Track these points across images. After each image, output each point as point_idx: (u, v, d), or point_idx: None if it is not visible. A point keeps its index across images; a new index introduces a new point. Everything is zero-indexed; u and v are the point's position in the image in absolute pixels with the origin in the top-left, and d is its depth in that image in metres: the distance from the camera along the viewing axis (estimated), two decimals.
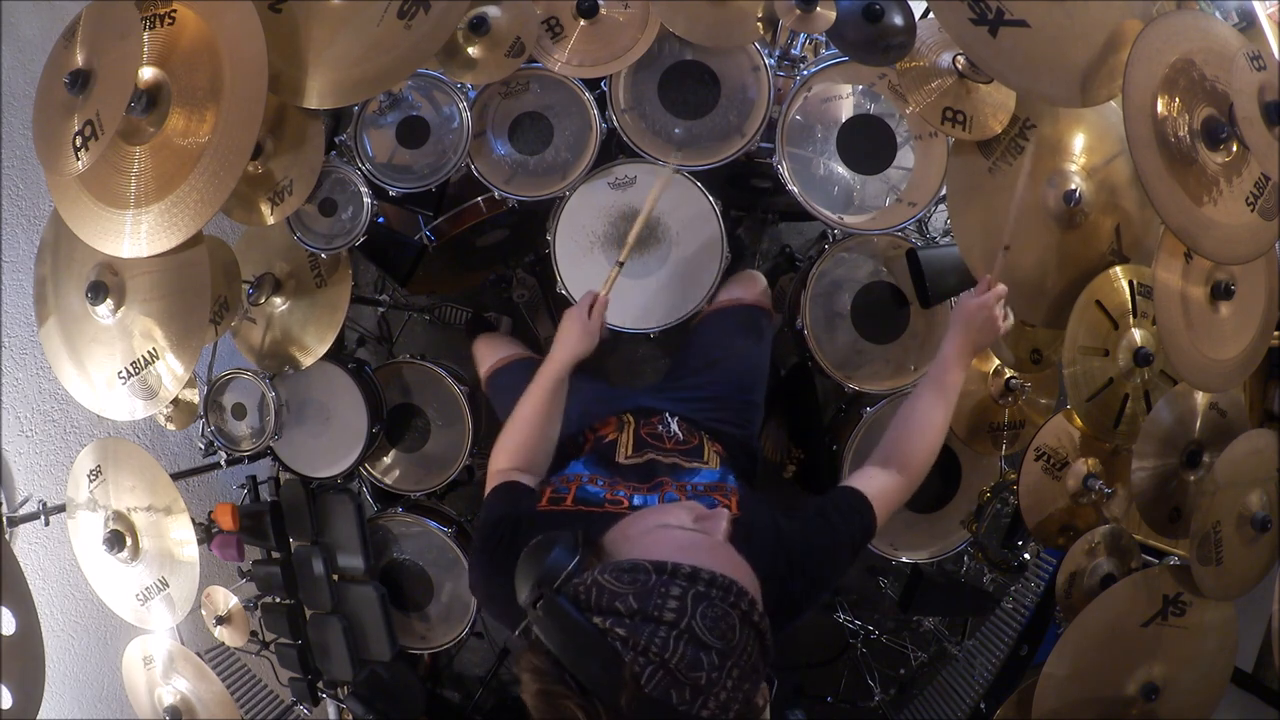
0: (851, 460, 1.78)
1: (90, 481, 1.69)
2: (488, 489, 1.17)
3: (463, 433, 1.87)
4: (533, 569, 0.77)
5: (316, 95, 1.44)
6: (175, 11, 1.37)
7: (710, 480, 1.15)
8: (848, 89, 1.64)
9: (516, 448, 1.22)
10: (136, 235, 1.40)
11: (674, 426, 1.32)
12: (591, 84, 1.64)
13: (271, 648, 1.90)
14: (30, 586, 1.64)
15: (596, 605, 0.72)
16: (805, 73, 1.64)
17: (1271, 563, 1.58)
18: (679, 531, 0.82)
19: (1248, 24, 1.55)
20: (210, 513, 1.79)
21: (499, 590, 0.92)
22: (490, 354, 1.83)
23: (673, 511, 0.87)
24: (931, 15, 1.52)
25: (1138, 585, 1.53)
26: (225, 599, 1.81)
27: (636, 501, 1.06)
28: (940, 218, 1.93)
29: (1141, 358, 1.50)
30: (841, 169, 1.64)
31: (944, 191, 1.56)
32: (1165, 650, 1.56)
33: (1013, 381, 1.68)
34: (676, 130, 1.65)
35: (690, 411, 1.40)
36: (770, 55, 1.63)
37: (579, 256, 1.71)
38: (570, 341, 1.27)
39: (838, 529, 1.06)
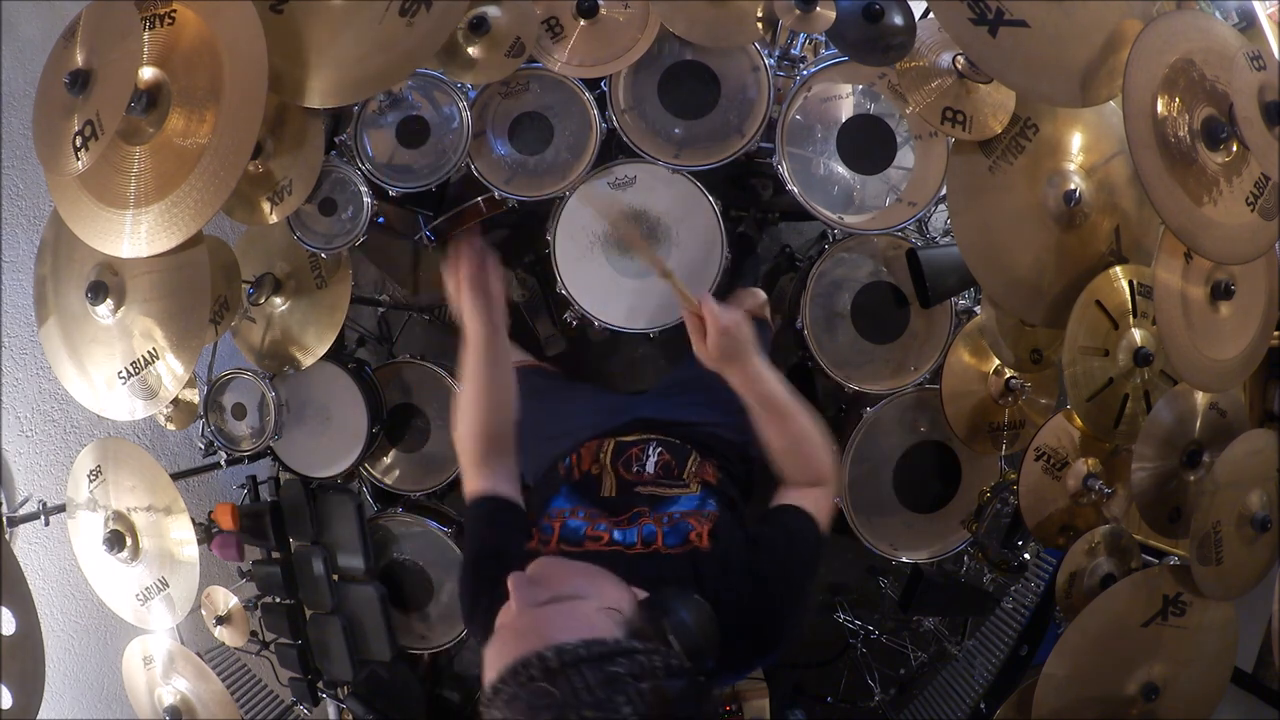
0: (853, 460, 1.78)
1: (90, 481, 1.69)
2: (467, 492, 1.12)
3: None
4: None
5: (317, 94, 1.44)
6: (175, 11, 1.37)
7: (688, 507, 1.15)
8: (848, 89, 1.64)
9: (479, 433, 1.12)
10: (136, 235, 1.40)
11: (652, 462, 1.28)
12: (591, 84, 1.64)
13: (271, 648, 1.90)
14: (30, 586, 1.64)
15: None
16: (805, 73, 1.64)
17: (1271, 563, 1.58)
18: (499, 634, 0.89)
19: (1248, 24, 1.55)
20: (210, 513, 1.79)
21: (483, 620, 0.97)
22: None
23: (510, 601, 0.89)
24: (931, 15, 1.52)
25: (1138, 585, 1.53)
26: (225, 599, 1.81)
27: (616, 536, 1.07)
28: (940, 218, 1.92)
29: (1141, 358, 1.50)
30: (841, 169, 1.64)
31: (944, 191, 1.56)
32: (1165, 650, 1.56)
33: (1013, 381, 1.68)
34: (676, 130, 1.65)
35: (689, 416, 1.41)
36: (770, 55, 1.63)
37: (579, 256, 1.71)
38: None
39: (802, 552, 1.06)
